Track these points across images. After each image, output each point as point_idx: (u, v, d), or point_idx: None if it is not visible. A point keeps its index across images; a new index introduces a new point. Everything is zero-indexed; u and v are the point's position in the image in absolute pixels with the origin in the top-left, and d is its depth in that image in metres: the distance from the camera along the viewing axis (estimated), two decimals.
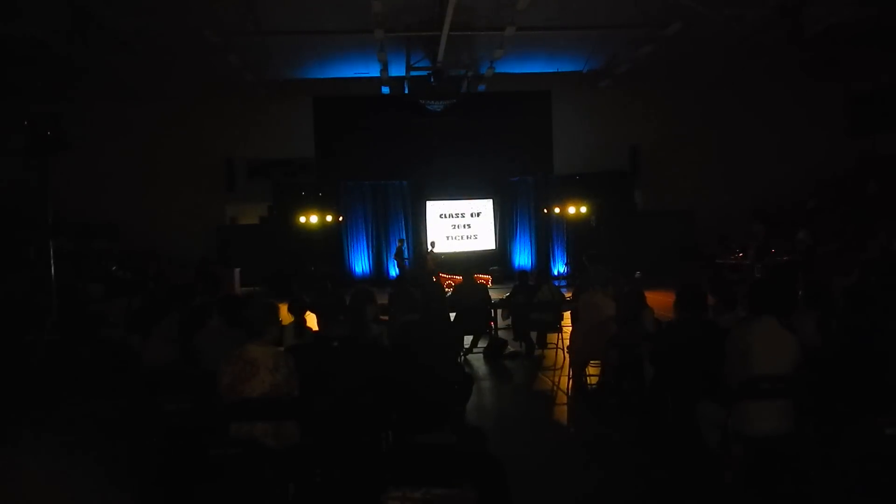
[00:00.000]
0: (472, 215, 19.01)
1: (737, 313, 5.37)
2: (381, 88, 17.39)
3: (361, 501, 2.30)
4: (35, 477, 2.08)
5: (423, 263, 16.83)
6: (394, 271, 17.78)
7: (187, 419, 4.00)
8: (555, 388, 7.59)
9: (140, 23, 12.57)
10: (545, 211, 18.35)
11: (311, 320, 5.80)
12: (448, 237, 18.84)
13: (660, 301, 8.08)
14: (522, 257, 18.84)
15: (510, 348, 9.32)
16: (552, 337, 9.26)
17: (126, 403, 3.83)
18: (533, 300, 9.13)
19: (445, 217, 18.93)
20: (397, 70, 16.09)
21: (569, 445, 5.86)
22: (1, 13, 11.03)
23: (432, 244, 18.09)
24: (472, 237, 18.95)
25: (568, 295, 9.69)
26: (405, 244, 17.76)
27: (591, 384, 7.06)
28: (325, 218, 17.39)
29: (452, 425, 2.54)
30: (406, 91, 17.35)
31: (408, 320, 5.72)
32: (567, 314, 9.02)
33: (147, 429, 3.71)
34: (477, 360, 8.97)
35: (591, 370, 7.12)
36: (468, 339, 9.20)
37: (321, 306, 4.84)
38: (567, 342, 7.99)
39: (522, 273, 10.46)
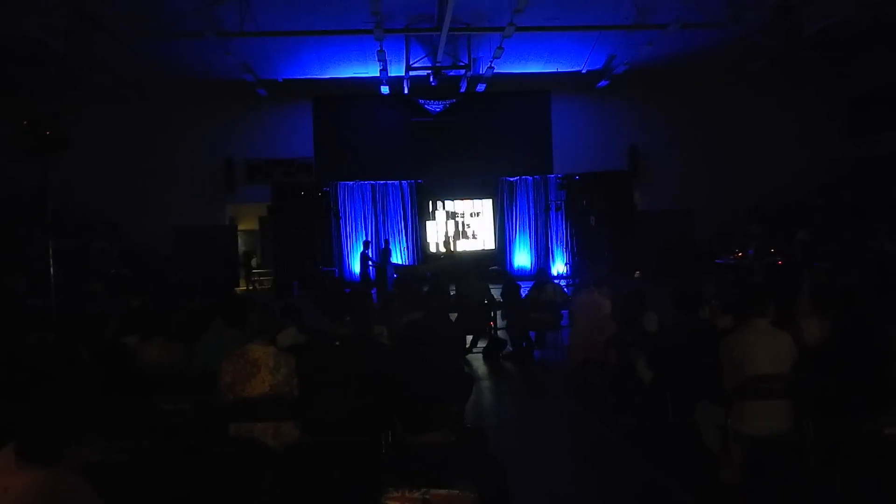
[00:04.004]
0: (471, 215, 19.00)
1: (734, 316, 5.38)
2: (380, 88, 17.39)
3: (361, 502, 2.30)
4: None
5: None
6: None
7: (186, 419, 4.00)
8: (555, 388, 7.59)
9: (140, 23, 12.57)
10: (545, 211, 18.37)
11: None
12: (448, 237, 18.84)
13: (658, 301, 8.07)
14: (522, 257, 18.85)
15: (510, 348, 9.32)
16: (552, 337, 9.27)
17: (125, 403, 3.83)
18: (532, 301, 9.14)
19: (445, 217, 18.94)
20: (397, 70, 16.08)
21: (569, 445, 5.86)
22: (1, 13, 11.02)
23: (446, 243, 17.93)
24: (472, 237, 18.94)
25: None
26: (371, 247, 17.29)
27: (591, 384, 7.05)
28: (324, 218, 17.35)
29: (452, 425, 2.54)
30: (405, 91, 17.34)
31: (411, 319, 5.72)
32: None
33: (146, 429, 3.71)
34: (477, 360, 8.97)
35: (590, 370, 7.11)
36: (468, 339, 9.19)
37: (323, 306, 4.84)
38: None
39: (507, 276, 10.43)
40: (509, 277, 10.16)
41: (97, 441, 2.22)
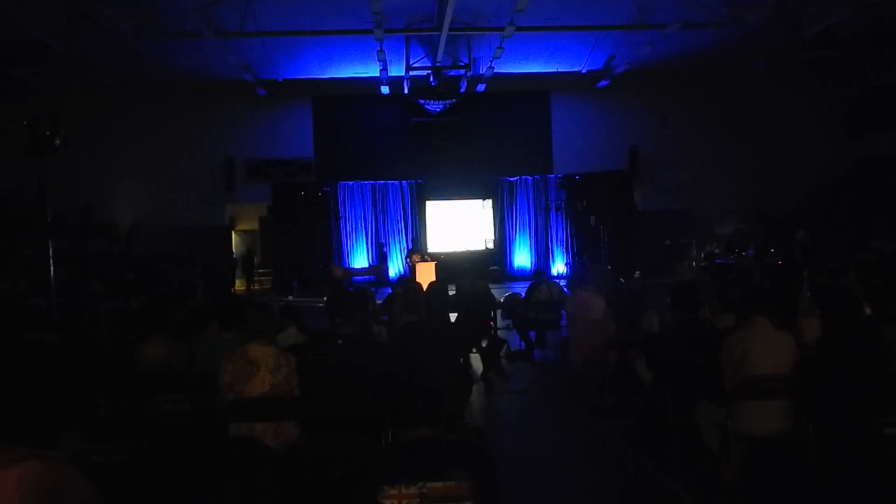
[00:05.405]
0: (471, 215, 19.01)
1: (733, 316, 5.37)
2: (380, 88, 17.39)
3: (361, 501, 2.31)
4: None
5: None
6: (394, 272, 17.77)
7: (186, 419, 4.00)
8: (555, 388, 7.59)
9: (140, 22, 12.57)
10: (545, 211, 18.38)
11: None
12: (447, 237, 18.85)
13: (658, 301, 8.08)
14: (522, 257, 18.86)
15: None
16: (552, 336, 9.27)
17: (125, 403, 3.84)
18: (530, 301, 9.15)
19: (445, 217, 18.93)
20: (397, 70, 16.08)
21: (568, 445, 5.86)
22: (1, 13, 11.02)
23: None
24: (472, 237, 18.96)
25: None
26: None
27: (590, 384, 7.05)
28: (324, 218, 17.38)
29: (448, 424, 2.55)
30: (405, 91, 17.35)
31: (408, 321, 5.72)
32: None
33: (146, 429, 3.71)
34: (477, 360, 8.96)
35: (590, 370, 7.10)
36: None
37: (325, 306, 4.84)
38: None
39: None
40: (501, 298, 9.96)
41: (76, 429, 2.19)
